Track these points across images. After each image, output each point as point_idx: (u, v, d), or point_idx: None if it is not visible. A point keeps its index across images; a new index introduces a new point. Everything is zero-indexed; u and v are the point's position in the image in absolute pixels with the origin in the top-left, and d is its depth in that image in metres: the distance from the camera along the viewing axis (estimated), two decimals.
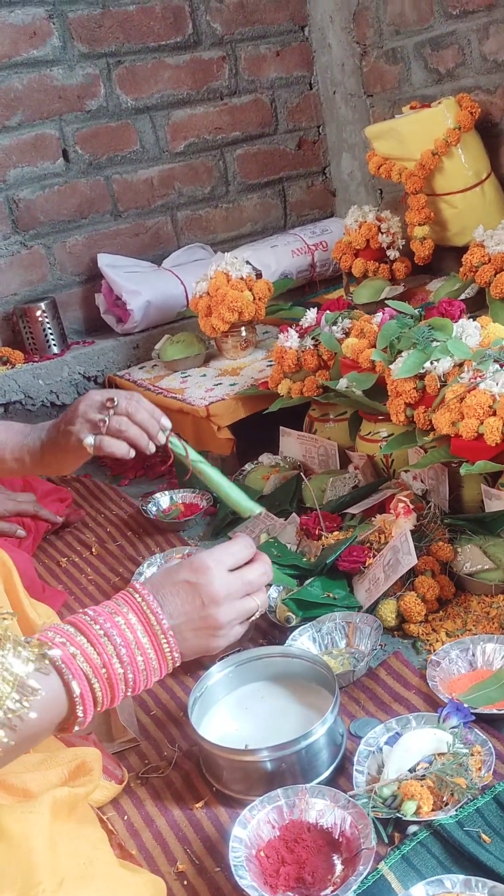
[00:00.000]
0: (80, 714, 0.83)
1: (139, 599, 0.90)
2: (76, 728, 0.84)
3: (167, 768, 1.17)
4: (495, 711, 1.11)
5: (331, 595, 1.39)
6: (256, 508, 1.25)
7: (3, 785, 0.90)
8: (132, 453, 1.19)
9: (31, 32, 2.27)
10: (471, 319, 1.54)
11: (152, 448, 1.20)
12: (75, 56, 2.34)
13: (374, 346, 1.65)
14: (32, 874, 0.70)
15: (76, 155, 2.40)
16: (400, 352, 1.56)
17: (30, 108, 2.31)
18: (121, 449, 1.17)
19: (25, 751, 0.81)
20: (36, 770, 0.94)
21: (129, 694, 0.88)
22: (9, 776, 0.92)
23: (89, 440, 1.16)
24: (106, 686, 0.84)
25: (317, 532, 1.54)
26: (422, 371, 1.49)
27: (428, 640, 1.30)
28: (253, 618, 0.98)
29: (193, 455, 1.22)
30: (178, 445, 1.21)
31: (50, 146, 2.36)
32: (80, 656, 0.83)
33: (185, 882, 1.00)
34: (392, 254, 2.25)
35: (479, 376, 1.36)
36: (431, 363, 1.47)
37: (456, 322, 1.52)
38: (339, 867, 0.96)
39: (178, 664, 0.92)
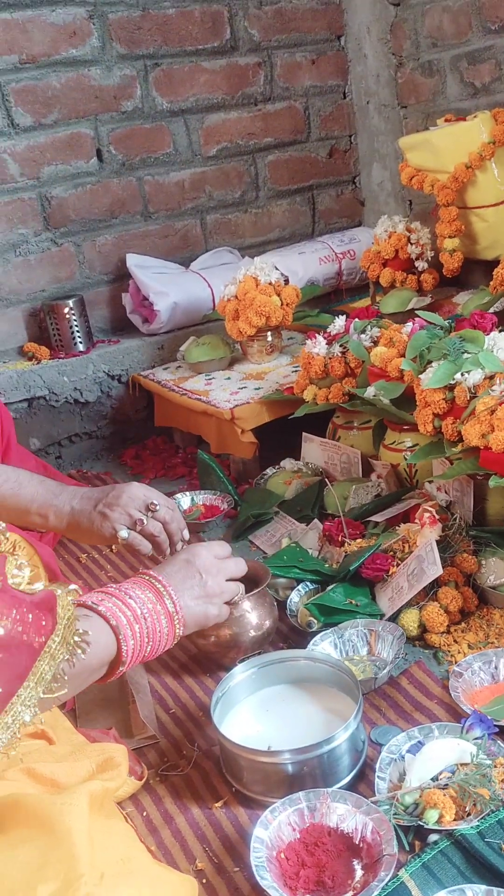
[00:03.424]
0: (124, 651, 0.97)
1: (150, 579, 1.06)
2: (121, 669, 0.98)
3: (187, 766, 1.18)
4: None
5: (353, 602, 1.39)
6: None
7: (32, 773, 0.91)
8: (150, 553, 1.29)
9: (72, 32, 2.29)
10: (502, 332, 1.55)
11: (169, 553, 1.30)
12: (113, 57, 2.36)
13: (403, 356, 1.66)
14: (74, 866, 0.71)
15: (110, 155, 2.42)
16: (430, 362, 1.57)
17: (66, 107, 2.33)
18: (146, 548, 1.27)
19: (81, 688, 0.96)
20: (64, 761, 0.95)
21: (148, 653, 1.02)
22: (37, 765, 0.92)
23: (124, 534, 1.24)
24: (138, 635, 0.99)
25: (340, 538, 1.55)
26: (452, 382, 1.49)
27: (449, 651, 1.30)
28: (235, 600, 1.17)
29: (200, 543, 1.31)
30: None
31: (84, 145, 2.38)
32: (116, 609, 0.98)
33: (205, 881, 1.00)
34: (420, 265, 2.26)
35: None
36: (462, 374, 1.47)
37: (488, 335, 1.53)
38: (358, 872, 0.97)
39: (182, 632, 1.07)
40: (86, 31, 2.31)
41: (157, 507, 1.26)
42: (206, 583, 1.11)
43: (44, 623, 0.83)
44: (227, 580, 1.15)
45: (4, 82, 2.24)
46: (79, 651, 0.86)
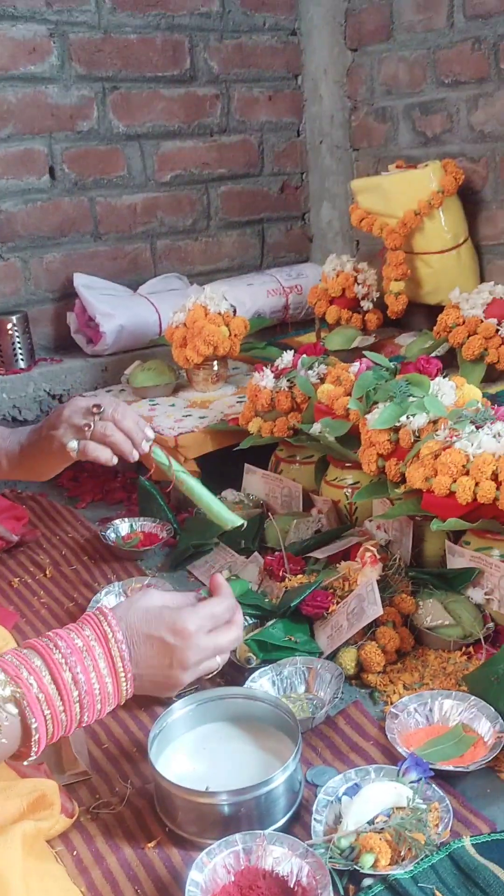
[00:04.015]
0: (34, 750, 0.85)
1: (112, 643, 0.91)
2: (26, 762, 0.86)
3: (119, 804, 1.15)
4: (451, 768, 1.13)
5: (292, 638, 1.39)
6: (237, 520, 1.25)
7: None
8: (115, 460, 1.19)
9: (31, 48, 2.27)
10: (446, 378, 1.59)
11: (135, 456, 1.20)
12: (72, 76, 2.35)
13: (349, 395, 1.69)
14: None
15: (62, 173, 2.40)
16: (376, 403, 1.60)
17: (21, 122, 2.31)
18: (104, 454, 1.18)
19: None
20: None
21: (74, 727, 0.90)
22: None
23: (73, 444, 1.16)
24: (60, 728, 0.87)
25: (280, 573, 1.55)
26: (397, 424, 1.52)
27: (385, 692, 1.32)
28: (207, 676, 1.03)
29: (176, 465, 1.22)
30: (161, 455, 1.21)
31: (37, 162, 2.36)
32: (45, 702, 0.85)
33: None
34: (366, 305, 2.31)
35: (455, 435, 1.40)
36: (407, 417, 1.50)
37: (433, 380, 1.57)
38: None
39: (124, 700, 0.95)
40: (46, 48, 2.29)
41: (102, 409, 1.18)
42: (175, 675, 0.96)
43: None
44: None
45: None
46: None
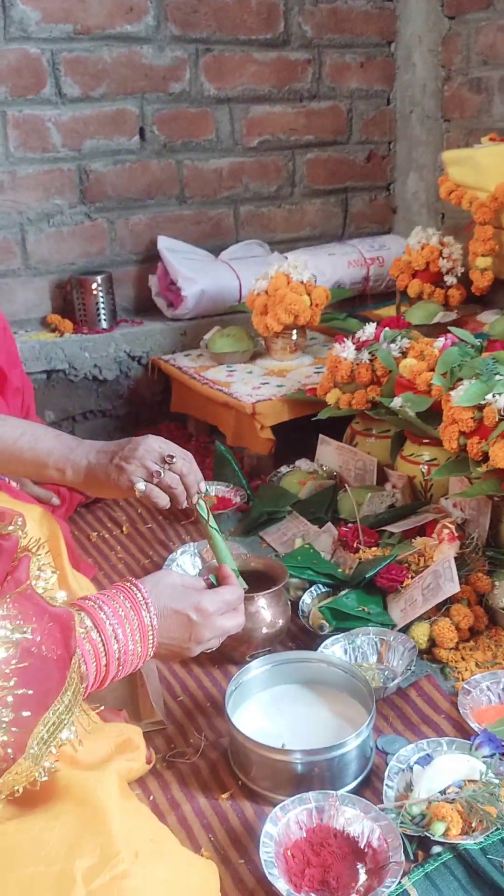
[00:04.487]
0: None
1: (145, 615, 0.97)
2: None
3: (194, 755, 1.19)
4: None
5: (366, 609, 1.41)
6: (242, 585, 1.29)
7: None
8: (168, 505, 1.27)
9: (129, 7, 2.27)
10: None
11: (185, 505, 1.27)
12: (167, 37, 2.35)
13: (432, 370, 1.68)
14: (111, 843, 0.72)
15: (152, 135, 2.41)
16: (460, 379, 1.59)
17: (114, 82, 2.32)
18: (163, 501, 1.25)
19: None
20: (84, 739, 0.96)
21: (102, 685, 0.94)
22: None
23: (141, 486, 1.22)
24: (99, 678, 0.91)
25: (355, 545, 1.57)
26: (482, 402, 1.51)
27: (457, 668, 1.33)
28: (206, 650, 1.09)
29: (212, 522, 1.29)
30: (203, 509, 1.29)
31: (128, 122, 2.37)
32: (91, 651, 0.90)
33: None
34: (449, 280, 2.28)
35: None
36: (493, 395, 1.49)
37: None
38: (362, 876, 0.99)
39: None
40: (142, 7, 2.29)
41: (174, 460, 1.24)
42: (189, 647, 1.04)
43: (58, 636, 0.82)
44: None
45: (57, 51, 2.22)
46: None
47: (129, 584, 0.99)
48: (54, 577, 0.88)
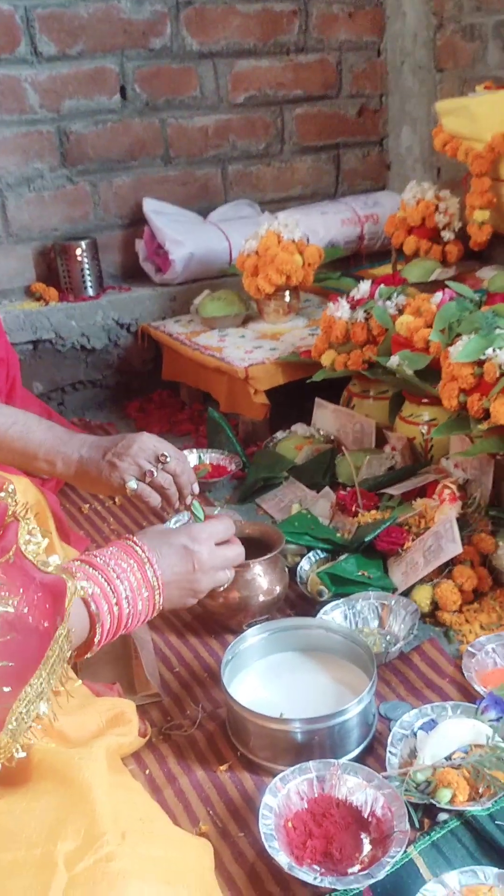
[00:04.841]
0: (96, 640, 0.92)
1: (141, 553, 1.00)
2: (88, 654, 0.93)
3: (191, 727, 1.16)
4: None
5: (365, 574, 1.37)
6: None
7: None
8: (160, 506, 1.25)
9: None
10: None
11: (177, 507, 1.27)
12: None
13: (430, 327, 1.62)
14: (96, 823, 0.68)
15: (133, 93, 2.33)
16: (459, 335, 1.53)
17: (92, 39, 2.23)
18: (155, 501, 1.23)
19: None
20: (74, 714, 0.92)
21: (123, 631, 0.97)
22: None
23: (133, 484, 1.20)
24: (115, 623, 0.94)
25: (353, 509, 1.52)
26: (482, 357, 1.45)
27: (460, 631, 1.29)
28: (221, 588, 1.12)
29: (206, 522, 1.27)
30: (199, 510, 1.27)
31: (108, 81, 2.29)
32: (100, 593, 0.92)
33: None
34: (447, 235, 2.21)
35: None
36: (494, 350, 1.43)
37: None
38: (366, 846, 0.95)
39: (151, 616, 1.01)
40: None
41: (168, 459, 1.22)
42: (196, 578, 1.05)
43: (47, 607, 0.79)
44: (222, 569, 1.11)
45: (30, 7, 2.14)
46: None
47: (125, 542, 1.02)
48: (45, 541, 0.85)
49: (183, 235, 2.28)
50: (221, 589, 1.13)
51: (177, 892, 0.66)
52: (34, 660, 0.75)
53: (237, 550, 1.12)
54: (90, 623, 0.91)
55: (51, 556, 0.84)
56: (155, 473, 1.21)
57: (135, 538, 1.02)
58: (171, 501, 1.26)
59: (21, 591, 0.76)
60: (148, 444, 1.23)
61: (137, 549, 1.00)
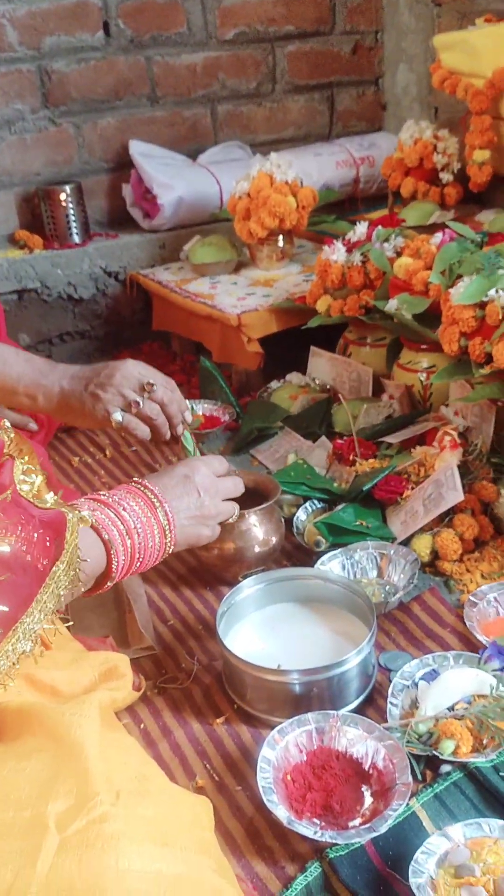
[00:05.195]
0: (114, 567, 0.90)
1: (144, 490, 0.98)
2: (108, 584, 0.91)
3: (186, 680, 1.13)
4: None
5: (364, 523, 1.33)
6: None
7: (31, 680, 0.85)
8: (149, 437, 1.19)
9: None
10: None
11: (167, 438, 1.21)
12: None
13: (429, 269, 1.56)
14: (89, 783, 0.65)
15: (117, 29, 2.22)
16: (460, 276, 1.47)
17: None
18: (143, 433, 1.17)
19: (70, 600, 0.85)
20: (66, 669, 0.88)
21: (135, 571, 0.95)
22: (38, 671, 0.86)
23: (118, 416, 1.14)
24: (129, 550, 0.92)
25: (351, 458, 1.48)
26: (484, 299, 1.40)
27: (461, 580, 1.26)
28: (230, 520, 1.09)
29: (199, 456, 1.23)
30: (189, 441, 1.23)
31: (90, 16, 2.18)
32: (108, 521, 0.91)
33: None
34: (445, 177, 2.13)
35: None
36: (496, 291, 1.37)
37: None
38: (368, 799, 0.93)
39: (171, 550, 0.99)
40: None
41: (155, 388, 1.16)
42: (203, 502, 1.03)
43: (48, 544, 0.76)
44: (223, 500, 1.08)
45: None
46: (79, 578, 0.81)
47: (129, 483, 1.00)
48: (40, 479, 0.81)
49: (171, 179, 2.20)
50: (233, 520, 1.10)
51: (172, 854, 0.63)
52: (29, 598, 0.71)
53: (235, 481, 1.10)
54: (104, 550, 0.89)
55: (47, 494, 0.79)
56: (141, 404, 1.15)
57: (137, 479, 1.00)
58: (161, 433, 1.19)
59: (19, 528, 0.73)
60: (132, 372, 1.16)
61: (143, 488, 0.98)
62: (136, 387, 1.15)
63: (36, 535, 0.75)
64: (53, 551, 0.75)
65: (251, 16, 2.37)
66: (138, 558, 0.94)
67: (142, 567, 0.96)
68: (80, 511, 0.85)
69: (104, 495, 0.95)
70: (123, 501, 0.94)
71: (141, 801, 0.66)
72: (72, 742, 0.68)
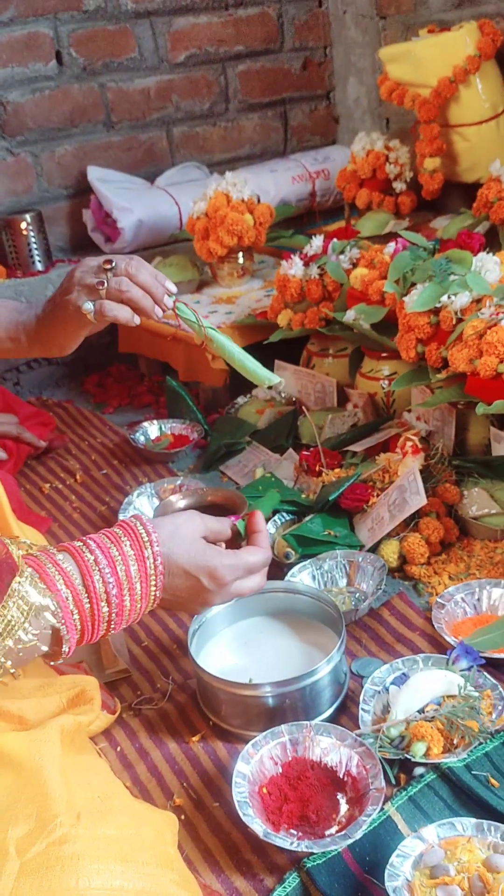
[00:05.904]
0: (65, 650, 0.80)
1: (149, 556, 0.86)
2: (59, 661, 0.81)
3: (161, 700, 1.13)
4: (502, 656, 1.08)
5: (332, 533, 1.34)
6: (274, 378, 1.12)
7: None
8: (137, 319, 1.08)
9: None
10: (490, 254, 1.48)
11: (159, 313, 1.09)
12: None
13: (384, 278, 1.58)
14: (48, 806, 0.65)
15: (70, 58, 2.24)
16: (413, 284, 1.50)
17: (23, 4, 2.14)
18: (124, 313, 1.06)
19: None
20: (32, 696, 0.89)
21: (103, 633, 0.84)
22: (3, 701, 0.86)
23: (88, 306, 1.05)
24: (89, 631, 0.81)
25: (317, 468, 1.49)
26: (437, 305, 1.42)
27: (430, 583, 1.27)
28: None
29: (206, 323, 1.12)
30: (186, 311, 1.11)
31: (43, 46, 2.20)
32: (73, 603, 0.79)
33: (183, 816, 0.96)
34: (398, 186, 2.16)
35: (502, 312, 1.30)
36: (448, 297, 1.40)
37: (475, 255, 1.46)
38: (343, 806, 0.94)
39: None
40: None
41: (114, 263, 1.06)
42: (193, 609, 0.95)
43: None
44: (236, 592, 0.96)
45: None
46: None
47: (135, 522, 0.87)
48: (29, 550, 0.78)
49: (130, 202, 2.22)
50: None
51: (133, 870, 0.63)
52: None
53: (254, 584, 0.96)
54: (52, 634, 0.78)
55: None
56: (106, 283, 1.06)
57: (153, 538, 0.86)
58: (144, 306, 1.07)
59: None
60: (88, 262, 1.09)
61: (147, 552, 0.85)
62: (96, 271, 1.07)
63: None
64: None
65: (201, 38, 2.41)
66: (102, 632, 0.83)
67: (115, 629, 0.85)
68: (15, 543, 0.79)
69: (89, 555, 0.82)
70: (106, 562, 0.82)
71: (102, 820, 0.67)
72: (31, 768, 0.69)
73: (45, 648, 0.78)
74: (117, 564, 0.83)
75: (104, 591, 0.80)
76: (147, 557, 0.85)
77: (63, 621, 0.78)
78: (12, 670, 0.71)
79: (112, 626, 0.83)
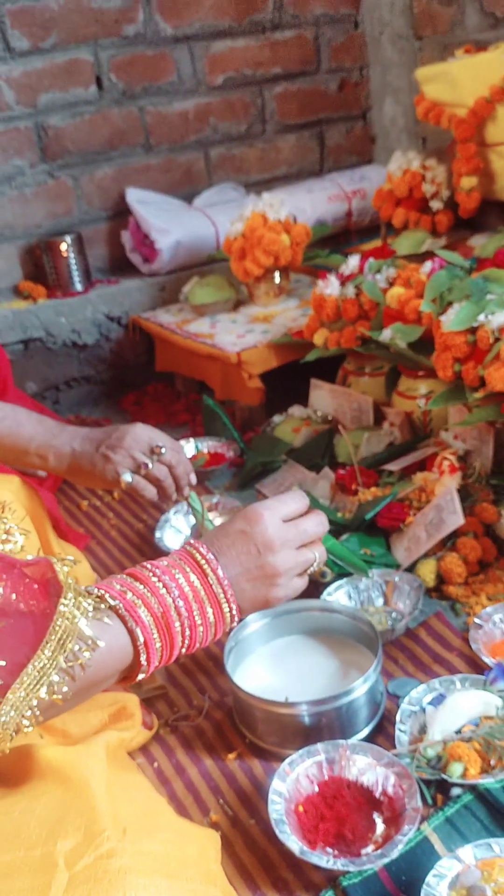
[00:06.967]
0: (143, 662, 0.80)
1: (194, 553, 0.87)
2: (140, 676, 0.81)
3: (198, 717, 1.14)
4: None
5: (368, 552, 1.35)
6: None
7: (42, 724, 0.87)
8: (156, 499, 1.22)
9: None
10: None
11: (174, 499, 1.23)
12: None
13: (421, 297, 1.59)
14: (96, 820, 0.67)
15: (110, 83, 2.30)
16: (450, 303, 1.50)
17: (64, 31, 2.20)
18: (151, 493, 1.20)
19: (85, 700, 0.77)
20: (76, 712, 0.90)
21: (184, 650, 0.84)
22: None
23: (127, 477, 1.17)
24: (166, 637, 0.81)
25: (353, 487, 1.50)
26: (474, 325, 1.42)
27: (467, 603, 1.27)
28: (311, 569, 0.95)
29: (207, 516, 1.26)
30: (196, 502, 1.25)
31: (83, 72, 2.26)
32: (142, 606, 0.80)
33: (219, 833, 0.96)
34: (435, 205, 2.17)
35: None
36: (486, 316, 1.40)
37: None
38: (380, 826, 0.94)
39: (236, 620, 0.87)
40: None
41: (163, 451, 1.19)
42: (263, 560, 0.88)
43: (37, 588, 0.72)
44: (300, 546, 0.92)
45: (0, 2, 2.11)
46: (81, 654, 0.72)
47: (182, 547, 0.89)
48: (23, 538, 0.81)
49: (168, 223, 2.26)
50: (315, 568, 0.95)
51: (179, 885, 0.64)
52: (32, 645, 0.71)
53: (316, 520, 0.93)
54: (131, 640, 0.79)
55: (27, 556, 0.79)
56: (150, 466, 1.19)
57: (191, 541, 0.90)
58: (168, 494, 1.23)
59: (4, 576, 0.71)
60: (142, 435, 1.20)
61: (191, 549, 0.87)
62: (146, 449, 1.19)
63: (23, 583, 0.71)
64: (45, 595, 0.73)
65: (238, 61, 2.45)
66: (181, 643, 0.82)
67: (192, 647, 0.84)
68: (64, 557, 0.80)
69: (151, 574, 0.83)
70: (164, 576, 0.83)
71: (147, 836, 0.68)
72: (79, 782, 0.70)
73: (122, 665, 0.79)
74: (180, 581, 0.84)
75: (173, 606, 0.81)
76: (195, 556, 0.86)
77: (144, 641, 0.79)
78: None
79: (188, 641, 0.83)
